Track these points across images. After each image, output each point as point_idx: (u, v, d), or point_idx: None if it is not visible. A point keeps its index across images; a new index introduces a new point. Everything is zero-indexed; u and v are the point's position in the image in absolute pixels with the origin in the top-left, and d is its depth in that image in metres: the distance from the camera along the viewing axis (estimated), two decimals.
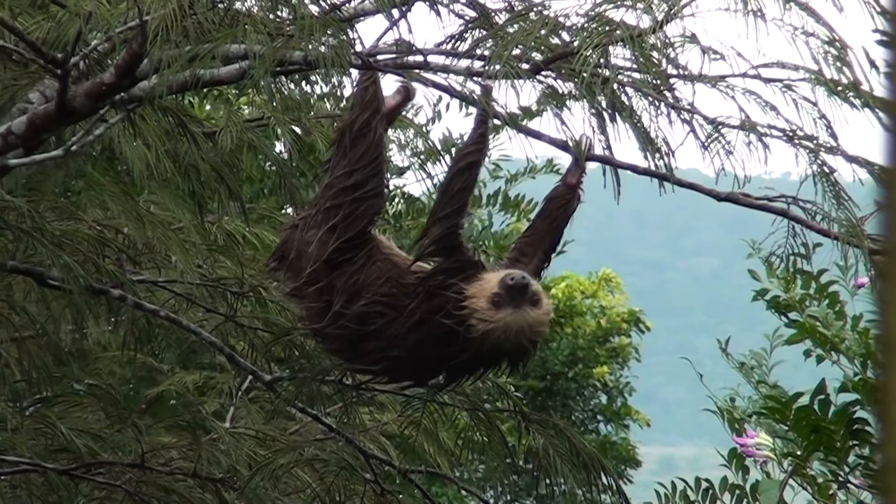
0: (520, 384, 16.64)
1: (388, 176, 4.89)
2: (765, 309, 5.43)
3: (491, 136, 4.77)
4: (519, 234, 4.88)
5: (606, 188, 4.55)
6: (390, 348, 4.67)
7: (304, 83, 8.55)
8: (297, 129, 7.06)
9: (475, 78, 4.53)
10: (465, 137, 4.72)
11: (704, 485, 5.15)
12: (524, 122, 4.71)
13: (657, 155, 4.36)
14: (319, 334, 4.78)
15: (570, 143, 4.56)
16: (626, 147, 4.45)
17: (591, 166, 4.74)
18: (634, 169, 4.48)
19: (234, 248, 7.08)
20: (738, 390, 5.41)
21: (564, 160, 4.87)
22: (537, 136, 4.60)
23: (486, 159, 4.71)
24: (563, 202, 4.76)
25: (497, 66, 4.34)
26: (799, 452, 4.92)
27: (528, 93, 4.43)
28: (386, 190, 4.81)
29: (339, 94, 11.53)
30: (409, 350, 4.65)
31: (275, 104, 6.71)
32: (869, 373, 4.96)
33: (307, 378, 6.44)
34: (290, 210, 7.57)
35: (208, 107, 10.47)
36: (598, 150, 4.53)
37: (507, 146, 12.23)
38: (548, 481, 6.44)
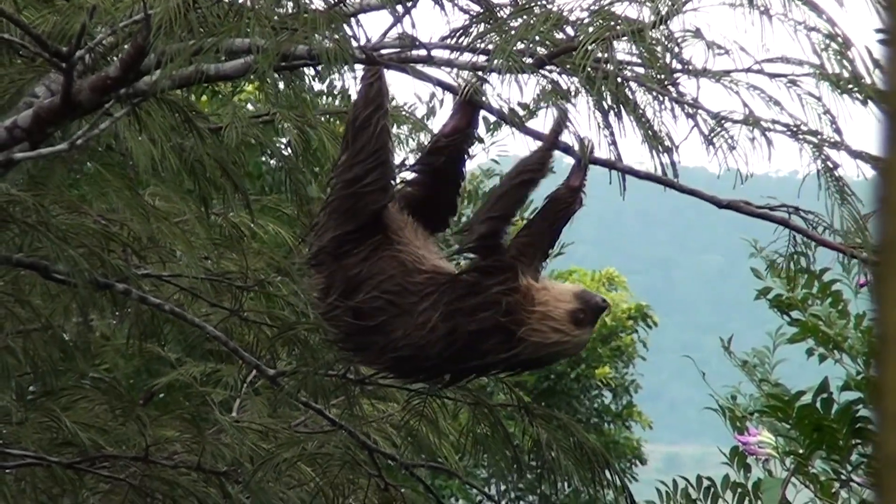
0: (520, 380, 16.59)
1: (395, 170, 4.86)
2: (768, 308, 5.41)
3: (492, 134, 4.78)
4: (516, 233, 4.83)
5: (612, 185, 4.53)
6: (396, 348, 4.65)
7: (308, 78, 8.55)
8: (302, 126, 7.05)
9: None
10: (530, 153, 4.67)
11: (706, 483, 5.14)
12: (525, 120, 4.66)
13: (661, 149, 4.34)
14: (324, 319, 4.80)
15: (574, 145, 4.53)
16: (630, 142, 4.43)
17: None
18: (636, 174, 4.45)
19: (239, 242, 7.07)
20: (741, 388, 5.39)
21: (566, 158, 4.83)
22: (539, 136, 4.58)
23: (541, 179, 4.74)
24: (565, 205, 4.71)
25: (500, 61, 4.33)
26: (801, 451, 4.92)
27: (532, 88, 4.42)
28: (392, 183, 4.80)
29: (343, 88, 11.54)
30: (420, 349, 4.63)
31: (279, 99, 6.71)
32: (871, 371, 4.95)
33: (310, 373, 6.44)
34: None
35: (212, 107, 10.47)
36: (604, 145, 4.50)
37: (506, 143, 12.18)
38: (552, 477, 6.44)
